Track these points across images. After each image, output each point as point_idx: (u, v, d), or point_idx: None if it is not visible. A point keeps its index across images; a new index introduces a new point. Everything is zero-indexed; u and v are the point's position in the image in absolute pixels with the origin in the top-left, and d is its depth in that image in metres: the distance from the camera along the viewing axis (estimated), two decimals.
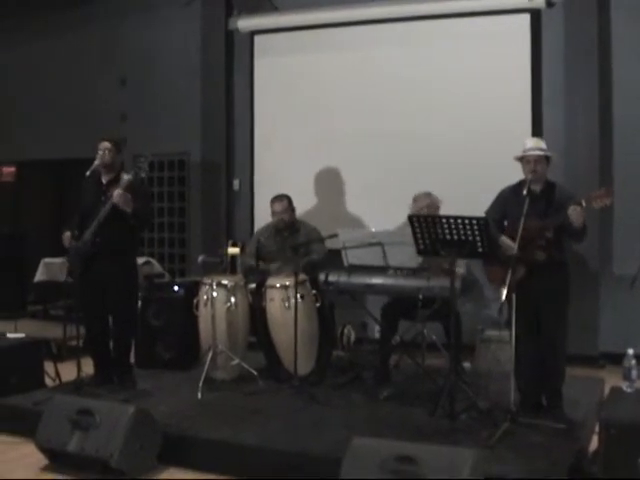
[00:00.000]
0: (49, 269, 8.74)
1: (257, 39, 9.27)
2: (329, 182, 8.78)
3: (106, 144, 6.30)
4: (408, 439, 4.66)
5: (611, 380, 6.40)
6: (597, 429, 5.13)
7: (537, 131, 7.83)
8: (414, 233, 5.44)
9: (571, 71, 7.88)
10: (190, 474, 4.99)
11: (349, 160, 8.66)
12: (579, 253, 7.05)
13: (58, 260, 8.46)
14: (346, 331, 7.81)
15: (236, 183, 9.58)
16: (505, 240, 5.43)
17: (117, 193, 6.01)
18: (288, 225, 7.13)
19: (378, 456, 4.17)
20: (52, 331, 8.08)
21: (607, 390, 6.00)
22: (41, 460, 5.13)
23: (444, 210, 6.41)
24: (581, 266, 7.35)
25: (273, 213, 7.15)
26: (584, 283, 7.31)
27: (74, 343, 7.61)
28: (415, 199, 6.79)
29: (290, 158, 8.95)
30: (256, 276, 7.10)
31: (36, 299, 9.72)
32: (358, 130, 8.58)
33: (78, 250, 6.22)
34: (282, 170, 8.91)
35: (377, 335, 8.30)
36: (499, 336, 7.01)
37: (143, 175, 6.25)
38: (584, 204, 5.11)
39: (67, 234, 6.32)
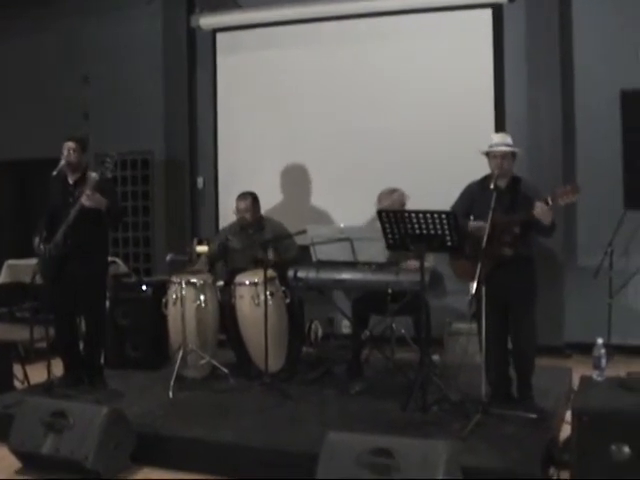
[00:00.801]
0: (13, 271, 8.68)
1: (219, 36, 9.23)
2: (295, 179, 8.78)
3: (70, 144, 6.25)
4: (382, 433, 4.72)
5: (578, 369, 6.49)
6: (567, 418, 5.25)
7: (500, 126, 7.90)
8: (383, 228, 5.46)
9: (533, 65, 7.97)
10: (165, 473, 4.97)
11: (315, 156, 8.67)
12: (544, 246, 7.11)
13: (22, 262, 8.40)
14: (313, 327, 7.86)
15: (200, 181, 9.54)
16: (473, 223, 5.46)
17: (86, 195, 5.97)
18: (252, 223, 7.13)
19: (354, 450, 4.19)
20: (18, 333, 8.00)
21: (575, 379, 6.12)
22: (14, 463, 5.09)
23: (411, 205, 6.45)
24: (546, 258, 7.43)
25: (237, 210, 7.15)
26: (549, 275, 7.42)
27: (41, 345, 7.57)
28: (379, 199, 6.82)
29: (255, 156, 8.94)
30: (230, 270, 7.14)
31: (0, 301, 9.61)
32: (324, 127, 8.60)
33: (49, 253, 6.15)
34: (247, 168, 8.90)
35: (344, 330, 8.37)
36: (467, 329, 7.06)
37: (109, 175, 6.19)
38: (550, 202, 5.15)
39: (37, 238, 6.26)
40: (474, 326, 5.86)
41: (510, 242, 5.35)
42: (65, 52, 9.95)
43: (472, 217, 5.55)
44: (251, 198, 7.13)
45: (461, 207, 5.66)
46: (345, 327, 8.44)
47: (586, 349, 7.04)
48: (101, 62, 9.71)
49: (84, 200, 5.95)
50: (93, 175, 6.08)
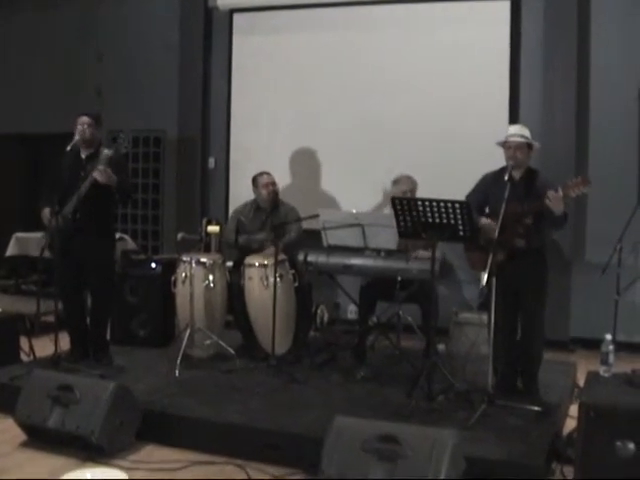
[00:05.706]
0: (21, 244, 8.69)
1: (236, 17, 9.20)
2: (308, 162, 8.77)
3: (86, 119, 6.25)
4: (387, 419, 4.71)
5: (582, 364, 6.51)
6: (571, 412, 5.26)
7: (514, 117, 7.89)
8: (396, 215, 5.45)
9: (549, 57, 7.93)
10: (169, 452, 4.96)
11: (328, 140, 8.66)
12: (553, 240, 7.12)
13: (30, 235, 8.41)
14: (319, 311, 7.87)
15: (211, 161, 9.50)
16: (485, 222, 5.48)
17: (98, 170, 5.97)
18: (273, 200, 7.13)
19: (360, 435, 4.20)
20: (24, 306, 8.01)
21: (578, 374, 6.13)
22: (19, 436, 5.10)
23: (423, 193, 6.43)
24: (554, 253, 7.41)
25: (264, 185, 7.10)
26: (557, 270, 7.37)
27: (48, 319, 7.58)
28: (396, 181, 6.82)
29: (267, 138, 8.94)
30: (240, 251, 7.11)
31: (7, 274, 9.65)
32: (337, 111, 8.59)
33: (58, 226, 6.13)
34: (259, 149, 8.90)
35: (350, 316, 8.38)
36: (473, 319, 7.07)
37: (124, 151, 6.21)
38: (560, 192, 5.16)
39: (47, 210, 6.22)
40: (482, 316, 5.86)
41: (522, 233, 5.36)
42: (80, 29, 9.91)
43: (487, 209, 5.55)
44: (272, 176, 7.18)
45: (476, 197, 5.67)
46: (350, 313, 8.46)
47: (590, 345, 7.08)
48: (116, 39, 9.70)
49: (96, 175, 5.96)
50: (106, 151, 6.09)
